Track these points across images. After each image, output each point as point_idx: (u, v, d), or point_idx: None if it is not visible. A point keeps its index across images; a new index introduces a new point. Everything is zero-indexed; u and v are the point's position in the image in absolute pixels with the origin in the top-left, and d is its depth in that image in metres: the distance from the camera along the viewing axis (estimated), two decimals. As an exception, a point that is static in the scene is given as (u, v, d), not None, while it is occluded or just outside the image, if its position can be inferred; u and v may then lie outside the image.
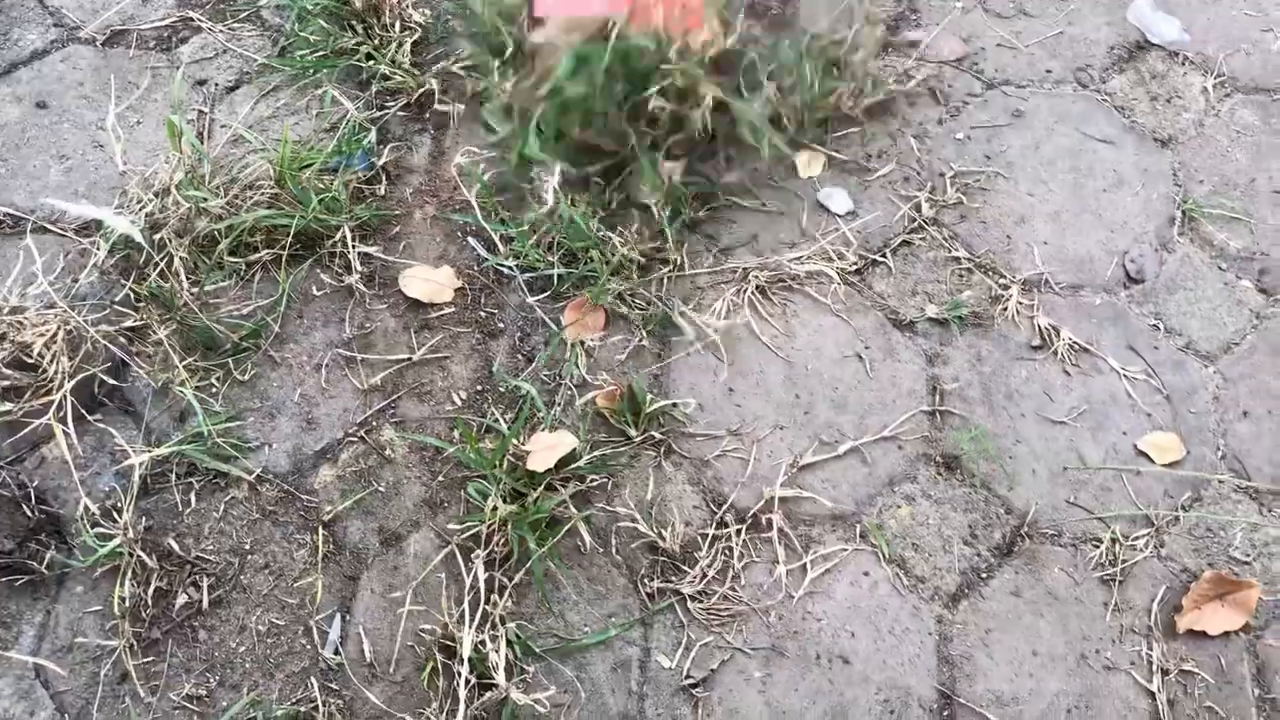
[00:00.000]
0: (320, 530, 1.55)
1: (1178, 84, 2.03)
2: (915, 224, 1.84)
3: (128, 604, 1.47)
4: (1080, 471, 1.63)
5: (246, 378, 1.67)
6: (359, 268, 1.75)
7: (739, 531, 1.56)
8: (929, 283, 1.78)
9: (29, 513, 1.54)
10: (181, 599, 1.50)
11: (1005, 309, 1.76)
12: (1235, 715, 1.46)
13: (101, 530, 1.51)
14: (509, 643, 1.44)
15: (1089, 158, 1.92)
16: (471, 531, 1.52)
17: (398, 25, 1.96)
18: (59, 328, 1.61)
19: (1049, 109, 1.98)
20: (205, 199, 1.70)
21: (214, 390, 1.65)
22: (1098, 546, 1.57)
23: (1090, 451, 1.64)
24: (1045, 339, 1.73)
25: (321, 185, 1.77)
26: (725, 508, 1.58)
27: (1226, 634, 1.51)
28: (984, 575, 1.55)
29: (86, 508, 1.54)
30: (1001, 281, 1.79)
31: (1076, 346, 1.73)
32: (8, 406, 1.59)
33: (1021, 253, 1.82)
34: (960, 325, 1.74)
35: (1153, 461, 1.64)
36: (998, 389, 1.69)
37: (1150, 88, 2.02)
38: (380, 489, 1.59)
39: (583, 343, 1.70)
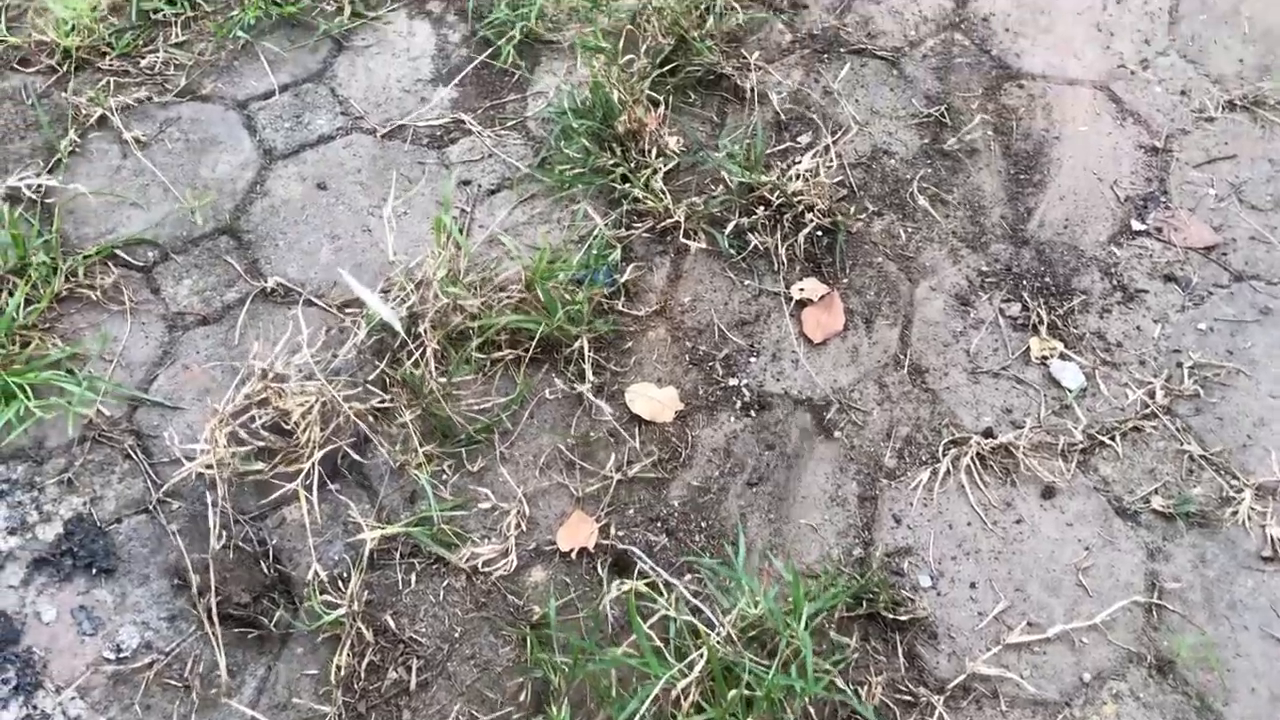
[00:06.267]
0: (528, 631, 1.60)
1: None
2: (1148, 410, 1.80)
3: (343, 673, 1.56)
4: (1304, 698, 1.56)
5: (476, 469, 1.75)
6: (591, 378, 1.83)
7: (936, 702, 1.54)
8: (1157, 473, 1.75)
9: (265, 570, 1.64)
10: (391, 676, 1.58)
11: (1236, 512, 1.70)
12: None
13: (328, 599, 1.60)
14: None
15: (1340, 366, 1.86)
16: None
17: (654, 152, 2.06)
18: (317, 400, 1.73)
19: (1300, 309, 1.93)
20: (463, 295, 1.81)
21: (444, 478, 1.74)
22: (1318, 782, 1.49)
23: (1317, 678, 1.57)
24: (1278, 551, 1.67)
25: (566, 296, 1.86)
26: (925, 674, 1.57)
27: None
28: (1190, 792, 1.50)
29: (317, 573, 1.63)
30: (1234, 483, 1.74)
31: (1311, 564, 1.66)
32: (260, 466, 1.72)
33: (1258, 456, 1.77)
34: (1186, 522, 1.69)
35: (1386, 700, 1.56)
36: (1220, 596, 1.64)
37: None
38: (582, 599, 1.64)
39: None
